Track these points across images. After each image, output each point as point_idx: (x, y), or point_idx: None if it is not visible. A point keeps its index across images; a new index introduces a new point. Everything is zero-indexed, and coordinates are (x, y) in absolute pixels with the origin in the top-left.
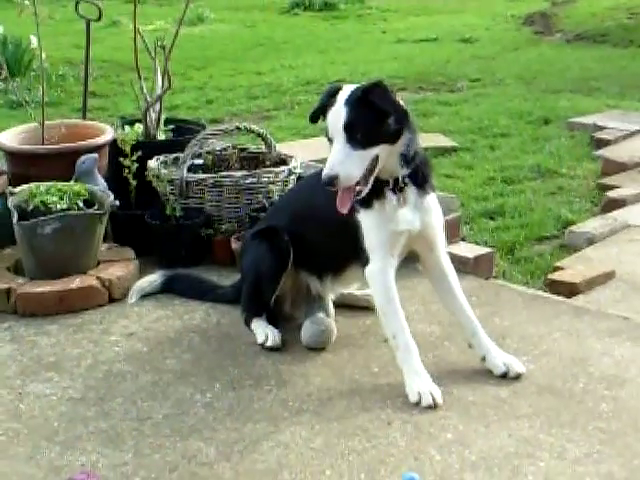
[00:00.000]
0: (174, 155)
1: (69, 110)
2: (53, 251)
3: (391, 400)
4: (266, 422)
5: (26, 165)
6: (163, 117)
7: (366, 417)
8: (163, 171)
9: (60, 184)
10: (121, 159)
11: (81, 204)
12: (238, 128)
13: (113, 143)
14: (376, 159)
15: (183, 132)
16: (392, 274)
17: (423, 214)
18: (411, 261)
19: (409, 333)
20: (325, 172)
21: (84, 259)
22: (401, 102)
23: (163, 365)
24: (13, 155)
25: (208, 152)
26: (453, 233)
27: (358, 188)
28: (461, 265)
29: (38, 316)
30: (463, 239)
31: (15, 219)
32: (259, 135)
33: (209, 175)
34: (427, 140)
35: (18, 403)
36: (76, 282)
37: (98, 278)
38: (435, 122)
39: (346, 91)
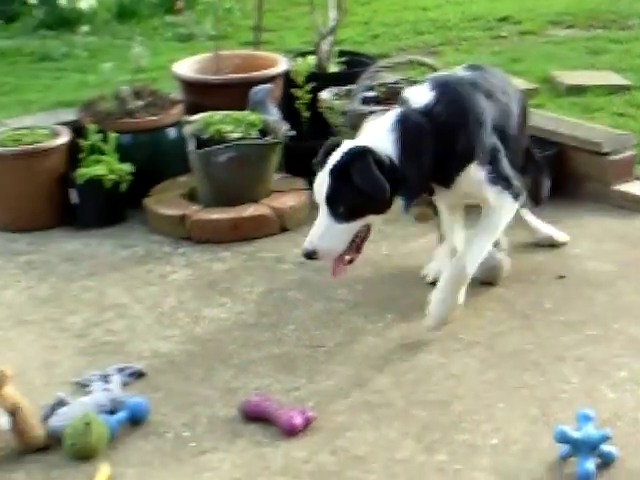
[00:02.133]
0: (346, 87)
1: (236, 43)
2: (227, 179)
3: (564, 337)
4: (437, 354)
5: (201, 94)
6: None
7: (539, 352)
8: (336, 102)
9: (235, 113)
10: (293, 90)
11: (255, 134)
12: (411, 61)
13: (285, 75)
14: (367, 228)
15: (354, 65)
16: None
17: None
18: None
19: None
20: (304, 246)
21: (258, 188)
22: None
23: (335, 294)
24: (188, 85)
25: (381, 85)
26: (627, 172)
27: (348, 258)
28: (636, 204)
29: (212, 243)
30: (637, 178)
31: (192, 147)
32: (431, 68)
33: (382, 107)
34: (597, 78)
35: (194, 326)
36: (249, 210)
37: (271, 207)
38: (606, 60)
39: (337, 154)
